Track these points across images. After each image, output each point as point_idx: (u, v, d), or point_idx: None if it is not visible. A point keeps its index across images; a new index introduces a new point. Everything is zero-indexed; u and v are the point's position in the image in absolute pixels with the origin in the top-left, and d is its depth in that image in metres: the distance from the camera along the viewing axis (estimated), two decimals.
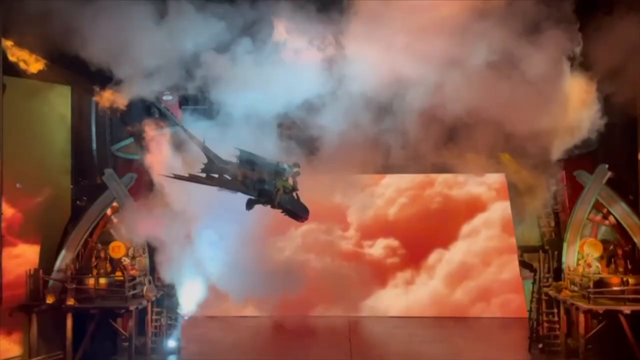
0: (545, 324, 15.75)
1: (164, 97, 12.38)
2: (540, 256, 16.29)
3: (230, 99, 12.66)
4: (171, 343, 16.03)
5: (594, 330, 14.42)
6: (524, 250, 17.26)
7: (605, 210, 15.16)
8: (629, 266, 14.64)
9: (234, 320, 17.85)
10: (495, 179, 19.53)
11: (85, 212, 15.61)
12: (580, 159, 14.51)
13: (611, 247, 15.07)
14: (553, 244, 16.18)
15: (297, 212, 11.46)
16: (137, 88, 12.74)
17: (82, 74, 14.06)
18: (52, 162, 15.40)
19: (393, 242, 20.25)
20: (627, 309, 13.60)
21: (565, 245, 15.41)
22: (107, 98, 13.63)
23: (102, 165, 16.13)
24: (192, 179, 11.33)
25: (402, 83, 12.03)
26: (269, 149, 12.52)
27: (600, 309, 13.82)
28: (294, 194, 11.41)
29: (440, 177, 20.14)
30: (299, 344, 16.56)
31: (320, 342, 16.92)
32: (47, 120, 15.13)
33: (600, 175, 15.04)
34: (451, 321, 18.60)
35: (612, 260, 14.95)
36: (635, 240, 14.56)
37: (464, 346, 16.20)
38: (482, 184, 20.17)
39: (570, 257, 15.26)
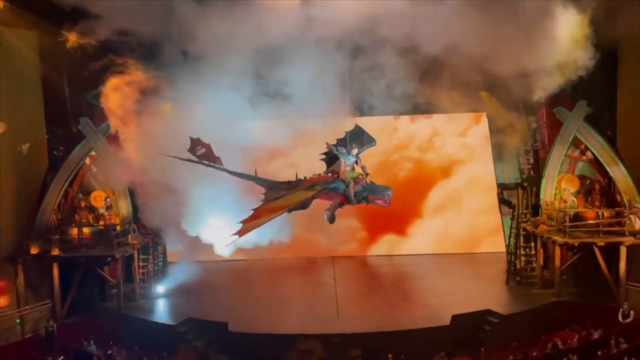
0: (523, 258, 16.37)
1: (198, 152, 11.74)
2: (519, 193, 16.63)
3: (202, 41, 12.20)
4: (159, 288, 16.39)
5: (568, 262, 14.99)
6: (503, 187, 17.59)
7: (583, 146, 15.36)
8: (604, 200, 15.04)
9: (222, 264, 18.12)
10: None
11: (63, 162, 15.41)
12: (560, 96, 14.46)
13: (588, 182, 15.42)
14: (532, 181, 16.49)
15: (379, 196, 10.42)
16: (108, 28, 12.27)
17: (48, 17, 13.47)
18: (25, 111, 14.94)
19: None
20: (601, 241, 14.12)
21: (543, 181, 15.71)
22: (75, 41, 13.12)
23: (77, 114, 15.75)
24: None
25: (377, 19, 11.58)
26: (244, 92, 12.22)
27: (575, 241, 14.34)
28: (366, 180, 10.43)
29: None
30: (285, 284, 17.03)
31: (307, 282, 17.38)
32: (15, 67, 14.51)
33: (580, 112, 15.12)
34: (433, 258, 19.12)
35: (589, 194, 15.34)
36: (612, 174, 14.86)
37: (445, 280, 16.78)
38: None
39: (548, 193, 15.61)
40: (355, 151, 10.43)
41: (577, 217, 14.86)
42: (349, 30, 11.70)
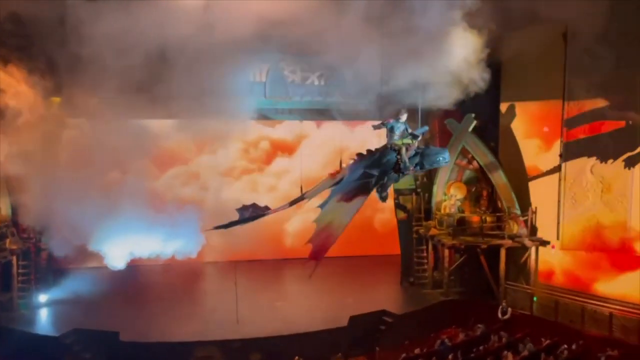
0: (416, 260, 17.28)
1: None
2: (413, 198, 17.57)
3: (100, 37, 11.50)
4: (42, 297, 15.10)
5: (456, 264, 16.10)
6: (399, 193, 18.41)
7: (470, 156, 16.60)
8: (488, 206, 16.36)
9: (114, 271, 17.07)
10: None
11: None
12: (451, 109, 15.50)
13: (474, 189, 16.67)
14: (425, 187, 17.50)
15: (434, 160, 9.66)
16: None
17: None
18: None
19: None
20: (484, 244, 15.34)
21: (434, 188, 16.75)
22: None
23: None
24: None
25: (276, 26, 11.66)
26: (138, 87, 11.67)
27: (461, 244, 15.43)
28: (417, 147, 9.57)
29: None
30: (184, 290, 16.48)
31: (207, 287, 16.97)
32: None
33: (467, 124, 16.33)
34: (332, 261, 19.46)
35: (474, 200, 16.61)
36: (494, 182, 16.21)
37: (343, 283, 17.23)
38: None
39: (438, 199, 16.66)
40: (404, 117, 9.67)
41: (463, 221, 16.05)
42: (250, 34, 11.61)
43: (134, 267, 17.34)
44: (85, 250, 14.10)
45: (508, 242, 15.28)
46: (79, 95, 12.49)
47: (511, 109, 15.78)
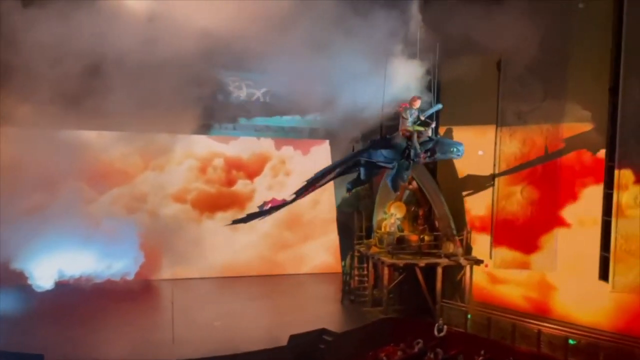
0: (357, 278, 17.48)
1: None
2: (356, 217, 17.81)
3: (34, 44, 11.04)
4: None
5: (395, 282, 16.39)
6: (341, 211, 18.70)
7: (410, 176, 17.04)
8: (426, 225, 16.84)
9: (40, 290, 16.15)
10: None
11: None
12: (392, 129, 15.86)
13: (413, 209, 17.11)
14: (366, 206, 17.80)
15: (447, 150, 9.37)
16: None
17: None
18: None
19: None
20: (422, 263, 15.73)
21: (375, 207, 17.06)
22: None
23: None
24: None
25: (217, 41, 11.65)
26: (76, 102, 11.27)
27: (400, 262, 15.76)
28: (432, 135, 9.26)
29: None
30: (117, 310, 15.82)
31: (141, 306, 16.37)
32: None
33: None
34: (273, 279, 19.43)
35: (413, 220, 17.04)
36: (432, 203, 16.72)
37: (284, 301, 17.12)
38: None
39: (379, 217, 16.98)
40: (417, 103, 9.39)
41: (403, 240, 16.42)
42: (194, 50, 11.53)
43: (66, 286, 16.56)
44: (6, 269, 13.29)
45: (444, 261, 15.75)
46: (9, 103, 11.90)
47: (448, 133, 16.40)
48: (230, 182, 20.19)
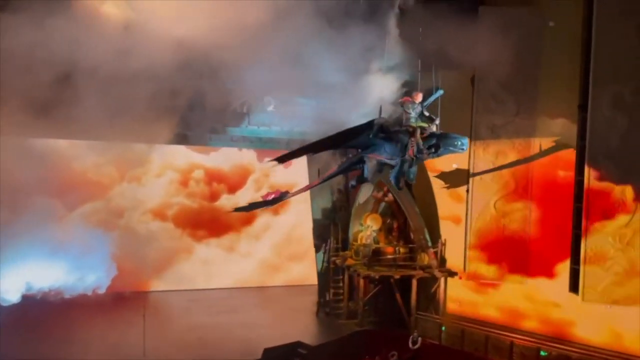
0: (332, 290, 17.43)
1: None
2: (332, 228, 17.81)
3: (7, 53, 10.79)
4: None
5: (370, 294, 16.39)
6: (318, 223, 18.65)
7: (385, 189, 17.16)
8: (399, 237, 16.93)
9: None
10: None
11: None
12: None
13: (388, 221, 17.20)
14: (343, 218, 17.82)
15: (451, 145, 9.10)
16: None
17: None
18: None
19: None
20: (397, 274, 15.78)
21: (352, 219, 17.09)
22: None
23: None
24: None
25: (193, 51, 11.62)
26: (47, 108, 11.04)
27: (376, 274, 15.78)
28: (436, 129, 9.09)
29: None
30: (86, 324, 15.41)
31: (112, 320, 15.97)
32: None
33: None
34: (248, 291, 19.26)
35: (389, 232, 17.12)
36: (407, 215, 16.84)
37: (258, 314, 16.94)
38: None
39: (355, 229, 17.00)
40: (419, 97, 9.18)
41: (378, 252, 16.45)
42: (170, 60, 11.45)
43: (33, 300, 16.08)
44: None
45: (419, 273, 15.84)
46: None
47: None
48: (213, 196, 19.82)
